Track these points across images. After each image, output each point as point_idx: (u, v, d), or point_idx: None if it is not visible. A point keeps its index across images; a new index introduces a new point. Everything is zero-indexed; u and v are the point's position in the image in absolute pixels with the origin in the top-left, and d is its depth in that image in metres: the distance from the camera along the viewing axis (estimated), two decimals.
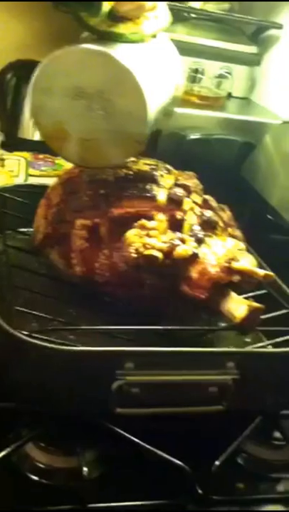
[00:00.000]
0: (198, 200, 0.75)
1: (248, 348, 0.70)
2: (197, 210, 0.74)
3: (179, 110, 1.08)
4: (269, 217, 1.00)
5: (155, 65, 0.74)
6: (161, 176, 0.76)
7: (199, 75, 1.14)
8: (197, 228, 0.71)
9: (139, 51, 0.70)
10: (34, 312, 0.67)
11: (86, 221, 0.74)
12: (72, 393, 0.63)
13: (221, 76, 1.16)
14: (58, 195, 0.79)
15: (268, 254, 0.87)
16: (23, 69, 1.47)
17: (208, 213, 0.74)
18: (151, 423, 0.64)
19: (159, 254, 0.67)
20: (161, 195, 0.73)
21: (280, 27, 1.19)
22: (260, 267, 0.75)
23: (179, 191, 0.74)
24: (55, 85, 0.69)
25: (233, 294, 0.67)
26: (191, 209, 0.73)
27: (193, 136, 1.07)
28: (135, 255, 0.68)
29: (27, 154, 1.38)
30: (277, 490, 0.67)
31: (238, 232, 0.77)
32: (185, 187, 0.75)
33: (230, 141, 1.08)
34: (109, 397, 0.61)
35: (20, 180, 1.24)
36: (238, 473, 0.68)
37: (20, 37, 1.54)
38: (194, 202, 0.74)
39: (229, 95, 1.20)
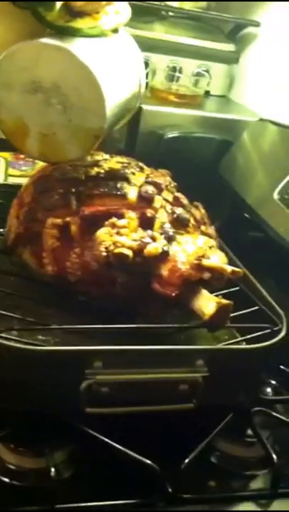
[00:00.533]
0: (170, 197, 0.75)
1: (217, 346, 0.70)
2: (168, 207, 0.74)
3: (157, 108, 1.08)
4: (246, 215, 0.99)
5: (115, 59, 0.74)
6: (133, 173, 0.76)
7: (177, 74, 1.14)
8: (168, 226, 0.71)
9: (98, 46, 0.70)
10: (2, 312, 0.67)
11: (57, 220, 0.73)
12: (42, 393, 0.62)
13: (198, 74, 1.16)
14: (30, 194, 0.78)
15: (245, 251, 0.87)
16: None
17: (179, 211, 0.73)
18: (122, 422, 0.64)
19: (129, 253, 0.67)
20: (132, 193, 0.73)
21: (257, 25, 1.18)
22: (232, 264, 0.74)
23: (150, 189, 0.73)
24: (14, 80, 0.69)
25: (204, 291, 0.67)
26: (162, 207, 0.73)
27: (171, 135, 1.06)
28: (105, 253, 0.68)
29: (7, 154, 1.37)
30: (250, 487, 0.67)
31: (211, 230, 0.77)
32: (156, 185, 0.74)
33: (208, 139, 1.07)
34: (79, 397, 0.61)
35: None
36: (211, 471, 0.67)
37: (0, 36, 1.53)
38: (165, 199, 0.74)
39: (207, 93, 1.20)
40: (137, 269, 0.68)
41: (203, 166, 1.06)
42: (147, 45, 1.14)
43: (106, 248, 0.68)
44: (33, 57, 0.67)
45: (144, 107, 1.04)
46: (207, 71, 1.17)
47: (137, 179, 0.75)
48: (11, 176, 1.26)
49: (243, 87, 1.24)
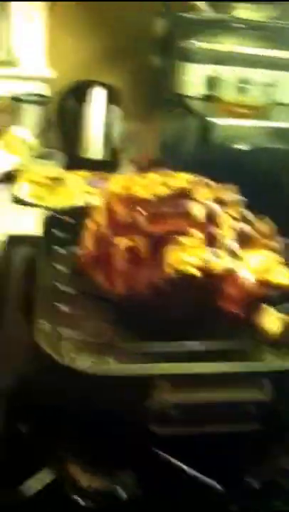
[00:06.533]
0: (235, 213, 0.75)
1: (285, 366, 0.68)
2: (233, 224, 0.73)
3: (227, 121, 1.08)
4: None
5: None
6: (198, 191, 0.76)
7: (247, 85, 1.13)
8: (233, 243, 0.71)
9: None
10: (72, 332, 0.69)
11: (126, 240, 0.75)
12: (111, 415, 0.64)
13: (269, 85, 1.14)
14: (101, 216, 0.80)
15: None
16: (81, 90, 1.52)
17: (244, 227, 0.73)
18: (185, 441, 0.64)
19: (196, 271, 0.67)
20: (197, 211, 0.73)
21: None
22: None
23: (215, 206, 0.74)
24: None
25: (269, 309, 0.66)
26: (227, 223, 0.73)
27: (243, 148, 1.06)
28: (173, 272, 0.69)
29: (86, 173, 1.42)
30: None
31: (277, 245, 0.75)
32: (221, 201, 0.75)
33: (276, 150, 1.06)
34: (147, 417, 0.62)
35: (78, 200, 1.27)
36: (278, 491, 0.66)
37: (80, 58, 1.60)
38: (230, 215, 0.74)
39: (279, 103, 1.18)
40: (203, 287, 0.69)
41: (276, 179, 1.05)
42: (216, 58, 1.14)
43: (172, 267, 0.69)
44: None
45: (216, 120, 1.04)
46: (278, 81, 1.16)
47: (203, 196, 0.75)
48: (89, 193, 1.30)
49: None
